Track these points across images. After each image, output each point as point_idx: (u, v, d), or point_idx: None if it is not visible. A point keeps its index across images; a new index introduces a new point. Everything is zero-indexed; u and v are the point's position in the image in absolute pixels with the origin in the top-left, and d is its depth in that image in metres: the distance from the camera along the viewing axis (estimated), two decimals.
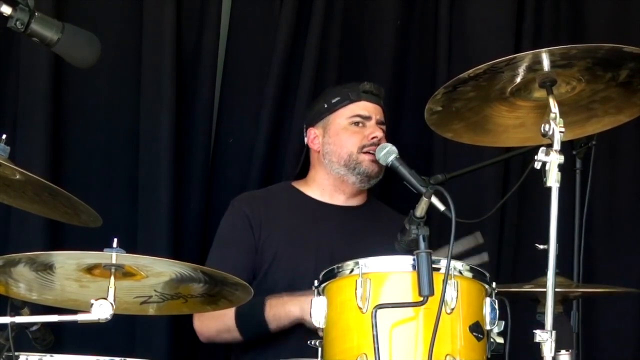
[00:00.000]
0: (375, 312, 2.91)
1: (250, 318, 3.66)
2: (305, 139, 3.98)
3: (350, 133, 3.86)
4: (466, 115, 3.22)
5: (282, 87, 4.33)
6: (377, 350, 2.89)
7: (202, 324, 3.79)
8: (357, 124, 3.87)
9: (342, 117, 3.89)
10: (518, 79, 3.06)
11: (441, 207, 3.09)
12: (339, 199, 3.92)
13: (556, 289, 2.91)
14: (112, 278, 2.76)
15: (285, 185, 4.01)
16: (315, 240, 3.81)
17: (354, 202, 3.94)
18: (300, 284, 3.65)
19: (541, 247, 2.94)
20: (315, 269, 3.19)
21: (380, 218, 3.94)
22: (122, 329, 4.01)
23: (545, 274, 2.89)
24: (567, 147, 3.24)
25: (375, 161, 3.76)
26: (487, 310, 3.04)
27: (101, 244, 2.76)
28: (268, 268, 3.79)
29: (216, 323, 3.74)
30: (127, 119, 4.23)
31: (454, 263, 2.99)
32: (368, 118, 3.88)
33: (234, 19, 4.43)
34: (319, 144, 3.92)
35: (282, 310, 3.61)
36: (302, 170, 4.01)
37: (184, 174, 4.25)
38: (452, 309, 2.97)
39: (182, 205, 4.21)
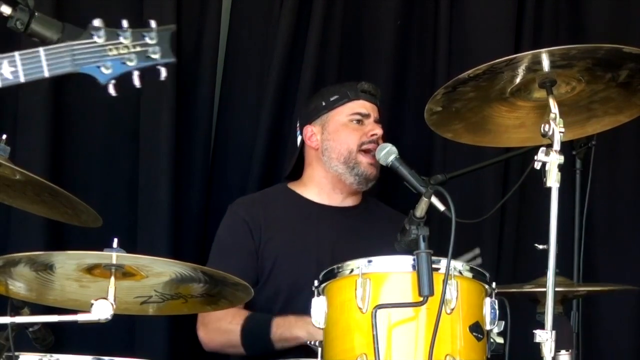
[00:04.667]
0: (375, 312, 2.91)
1: (256, 338, 3.67)
2: (299, 137, 3.97)
3: (351, 130, 3.87)
4: (466, 116, 3.22)
5: (282, 87, 4.33)
6: (377, 351, 2.89)
7: (207, 336, 3.79)
8: (356, 121, 3.88)
9: (342, 114, 3.89)
10: (518, 79, 3.07)
11: (441, 207, 3.09)
12: (337, 199, 3.92)
13: (556, 289, 2.92)
14: (112, 278, 2.76)
15: (282, 187, 4.00)
16: (315, 243, 3.81)
17: (351, 201, 3.93)
18: (302, 289, 3.64)
19: (541, 247, 2.94)
20: (317, 272, 3.19)
21: (378, 216, 3.94)
22: (122, 329, 4.01)
23: (545, 273, 2.89)
24: (567, 148, 3.25)
25: (374, 164, 3.77)
26: (487, 310, 3.04)
27: (101, 244, 2.76)
28: (269, 273, 3.78)
29: (221, 338, 3.74)
30: (127, 119, 4.23)
31: (454, 263, 2.99)
32: (367, 116, 3.89)
33: (234, 19, 4.43)
34: (317, 141, 3.91)
35: (288, 333, 3.62)
36: (295, 170, 4.00)
37: (184, 174, 4.25)
38: (452, 309, 2.97)
39: (182, 205, 4.21)
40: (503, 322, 3.07)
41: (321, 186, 3.92)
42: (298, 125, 4.01)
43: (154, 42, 2.27)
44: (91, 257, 2.78)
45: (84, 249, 2.79)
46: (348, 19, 4.48)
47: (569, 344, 3.42)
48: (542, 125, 2.93)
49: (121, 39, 2.24)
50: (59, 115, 4.13)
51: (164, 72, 2.31)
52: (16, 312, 2.96)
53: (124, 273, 2.82)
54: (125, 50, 2.25)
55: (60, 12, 3.99)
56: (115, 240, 2.73)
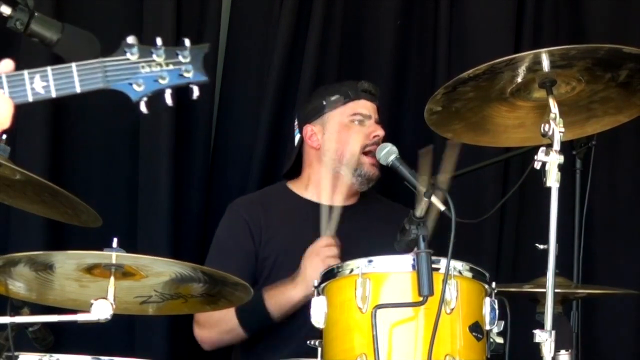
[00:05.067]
0: (375, 312, 2.92)
1: (252, 313, 3.65)
2: (298, 136, 3.96)
3: (352, 131, 3.85)
4: (466, 116, 3.23)
5: (282, 87, 4.33)
6: (376, 351, 2.89)
7: (203, 330, 3.77)
8: (357, 122, 3.87)
9: (343, 114, 3.88)
10: (518, 79, 3.07)
11: (441, 207, 3.09)
12: (336, 199, 3.90)
13: (556, 290, 2.92)
14: (112, 278, 2.76)
15: (281, 187, 3.98)
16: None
17: (351, 200, 3.92)
18: None
19: (541, 247, 2.94)
20: None
21: (378, 212, 3.92)
22: (122, 329, 4.01)
23: (545, 273, 2.90)
24: (566, 147, 3.25)
25: (375, 164, 3.76)
26: (486, 310, 3.04)
27: (101, 244, 2.76)
28: (269, 274, 3.77)
29: (217, 326, 3.73)
30: (127, 119, 4.23)
31: (453, 263, 2.99)
32: (368, 116, 3.87)
33: (234, 19, 4.43)
34: (318, 140, 3.90)
35: (282, 297, 3.61)
36: (294, 167, 3.99)
37: (184, 174, 4.25)
38: (452, 309, 2.97)
39: (182, 205, 4.21)
40: (503, 322, 3.07)
41: (320, 187, 3.91)
42: (296, 124, 3.99)
43: (187, 60, 2.27)
44: (91, 257, 2.78)
45: (84, 249, 2.79)
46: (348, 19, 4.48)
47: (569, 344, 3.42)
48: (542, 125, 2.93)
49: (154, 57, 2.25)
50: (59, 115, 4.13)
51: (196, 91, 2.31)
52: (16, 312, 2.96)
53: (123, 273, 2.82)
54: (158, 68, 2.25)
55: (60, 12, 3.99)
56: (115, 240, 2.74)
